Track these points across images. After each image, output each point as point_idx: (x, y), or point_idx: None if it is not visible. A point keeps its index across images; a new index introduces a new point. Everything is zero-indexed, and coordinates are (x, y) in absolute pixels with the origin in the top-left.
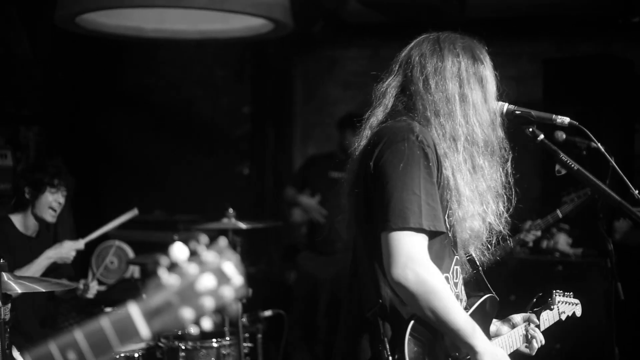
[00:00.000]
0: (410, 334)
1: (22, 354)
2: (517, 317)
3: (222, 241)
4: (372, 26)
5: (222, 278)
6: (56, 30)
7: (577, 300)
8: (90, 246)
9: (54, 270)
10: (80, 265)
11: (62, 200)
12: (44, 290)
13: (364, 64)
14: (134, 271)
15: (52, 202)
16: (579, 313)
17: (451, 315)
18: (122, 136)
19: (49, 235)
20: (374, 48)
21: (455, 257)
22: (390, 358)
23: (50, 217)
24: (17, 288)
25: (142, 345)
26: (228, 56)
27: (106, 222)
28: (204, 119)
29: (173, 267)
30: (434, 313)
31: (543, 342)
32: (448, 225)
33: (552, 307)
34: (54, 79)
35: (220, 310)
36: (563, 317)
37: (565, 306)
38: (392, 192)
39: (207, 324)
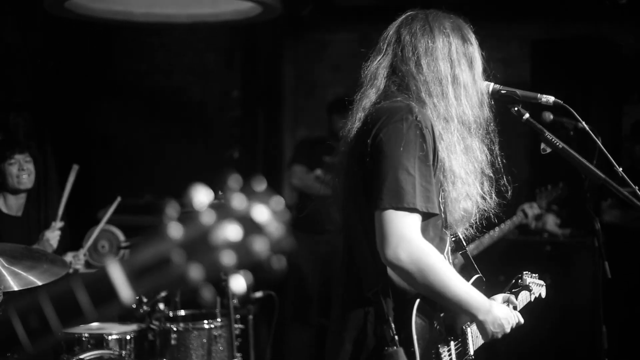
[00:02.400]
0: (417, 313)
1: None
2: (498, 298)
3: (258, 180)
4: (361, 9)
5: (252, 227)
6: (46, 16)
7: (542, 282)
8: (81, 232)
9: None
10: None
11: (27, 165)
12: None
13: (353, 46)
14: (125, 255)
15: (15, 171)
16: (544, 294)
17: (450, 288)
18: (113, 121)
19: (37, 215)
20: (364, 31)
21: (448, 238)
22: (396, 337)
23: (23, 185)
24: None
25: (134, 327)
26: (218, 41)
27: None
28: (195, 104)
29: (184, 214)
30: (432, 289)
31: (521, 321)
32: (441, 207)
33: (530, 288)
34: (45, 65)
35: (253, 267)
36: (532, 298)
37: (535, 287)
38: (387, 171)
39: (235, 284)
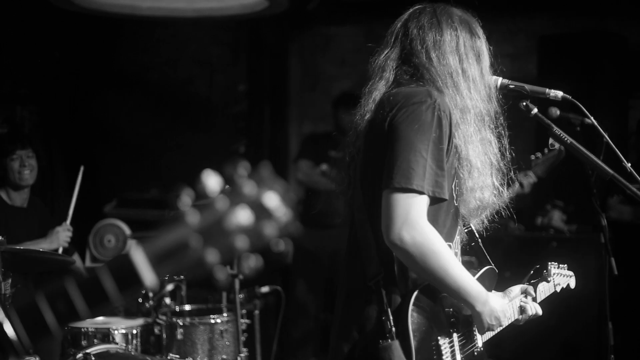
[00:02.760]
0: (414, 304)
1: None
2: (516, 289)
3: (265, 168)
4: (367, 3)
5: (262, 212)
6: (53, 9)
7: (571, 273)
8: (87, 225)
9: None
10: (78, 245)
11: (29, 161)
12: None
13: (359, 41)
14: (132, 247)
15: (17, 166)
16: (573, 285)
17: (450, 274)
18: (119, 114)
19: (43, 207)
20: (370, 25)
21: (458, 227)
22: (393, 329)
23: (24, 181)
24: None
25: (140, 321)
26: (224, 34)
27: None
28: (200, 97)
29: (198, 199)
30: (432, 273)
31: (540, 313)
32: (455, 195)
33: (548, 279)
34: (50, 58)
35: (261, 250)
36: (558, 289)
37: (560, 278)
38: (400, 151)
39: (245, 267)
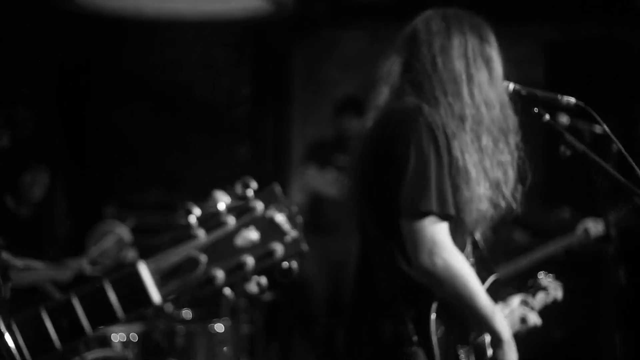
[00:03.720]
0: (436, 313)
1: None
2: (515, 300)
3: (276, 188)
4: (372, 7)
5: (270, 231)
6: (56, 10)
7: (560, 283)
8: (85, 227)
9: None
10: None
11: (41, 177)
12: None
13: (363, 45)
14: (130, 252)
15: (29, 182)
16: (560, 296)
17: (477, 301)
18: (121, 116)
19: (42, 215)
20: (374, 29)
21: (466, 239)
22: (415, 338)
23: (34, 198)
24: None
25: (140, 327)
26: (228, 37)
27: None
28: (204, 100)
29: (205, 217)
30: (461, 299)
31: (539, 323)
32: (457, 207)
33: (547, 289)
34: (54, 59)
35: (269, 271)
36: (550, 300)
37: (552, 289)
38: (403, 176)
39: (252, 287)
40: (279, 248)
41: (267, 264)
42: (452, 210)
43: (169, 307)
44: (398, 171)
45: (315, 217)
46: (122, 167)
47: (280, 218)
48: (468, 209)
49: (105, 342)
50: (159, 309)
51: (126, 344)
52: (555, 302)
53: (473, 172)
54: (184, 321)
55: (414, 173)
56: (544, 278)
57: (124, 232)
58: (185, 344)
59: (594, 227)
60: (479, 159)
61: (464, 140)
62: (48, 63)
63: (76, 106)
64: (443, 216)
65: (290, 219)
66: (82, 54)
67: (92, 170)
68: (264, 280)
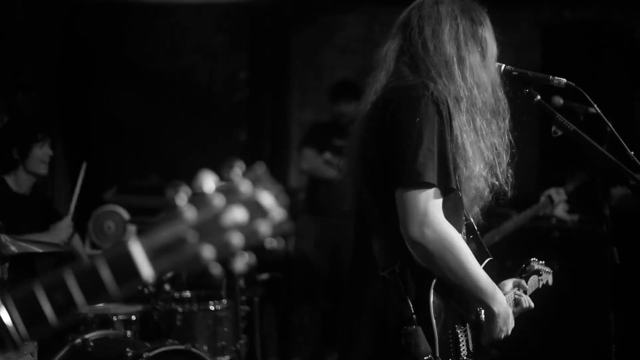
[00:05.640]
0: (434, 292)
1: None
2: (509, 283)
3: (260, 168)
4: None
5: (257, 211)
6: None
7: (549, 269)
8: (86, 212)
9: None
10: (77, 231)
11: (50, 151)
12: (40, 251)
13: (362, 29)
14: (131, 231)
15: (42, 155)
16: (551, 281)
17: (469, 273)
18: (121, 102)
19: (45, 195)
20: (372, 13)
21: (463, 218)
22: (414, 316)
23: (43, 170)
24: (13, 249)
25: (139, 307)
26: (226, 22)
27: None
28: (202, 85)
29: (195, 197)
30: (452, 271)
31: (532, 306)
32: (457, 185)
33: (540, 273)
34: (53, 45)
35: (255, 248)
36: (540, 285)
37: (543, 274)
38: (406, 148)
39: (239, 264)
40: (265, 227)
41: (253, 242)
42: (454, 184)
43: (168, 288)
44: (401, 144)
45: (313, 198)
46: (121, 152)
47: (266, 198)
48: (466, 187)
49: (106, 322)
50: (158, 289)
51: (126, 324)
52: (545, 287)
53: (470, 151)
54: (183, 301)
55: (412, 144)
56: (536, 263)
57: (122, 213)
58: (184, 324)
59: (556, 194)
60: (475, 139)
61: (461, 120)
62: (48, 49)
63: (76, 92)
64: (444, 189)
65: (276, 198)
66: (82, 40)
67: (91, 155)
68: (250, 258)
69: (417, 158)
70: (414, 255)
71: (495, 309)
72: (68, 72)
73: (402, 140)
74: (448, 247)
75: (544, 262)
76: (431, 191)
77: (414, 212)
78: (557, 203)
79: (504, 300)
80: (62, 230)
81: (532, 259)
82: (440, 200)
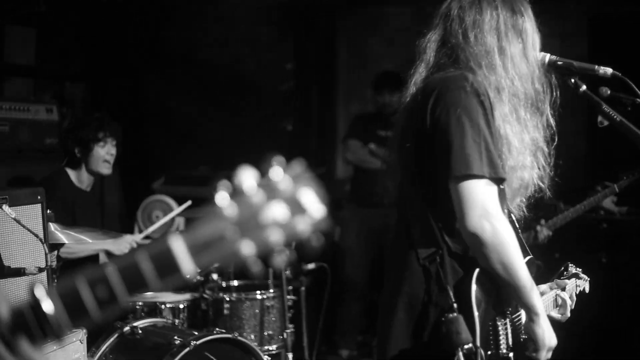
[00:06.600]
0: (476, 282)
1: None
2: (543, 286)
3: (299, 165)
4: None
5: (296, 208)
6: None
7: (587, 277)
8: (136, 201)
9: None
10: (128, 220)
11: (113, 151)
12: (90, 241)
13: (407, 21)
14: (180, 225)
15: (104, 155)
16: (587, 289)
17: (518, 271)
18: (169, 92)
19: (100, 188)
20: (418, 5)
21: (506, 209)
22: (454, 305)
23: (105, 169)
24: (63, 238)
25: (188, 296)
26: (272, 13)
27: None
28: (249, 76)
29: (235, 192)
30: (503, 266)
31: (573, 306)
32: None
33: (579, 276)
34: (101, 35)
35: (295, 245)
36: (577, 291)
37: (580, 280)
38: (453, 140)
39: (278, 260)
40: (304, 223)
41: (292, 238)
42: (503, 173)
43: (216, 277)
44: (447, 137)
45: (358, 189)
46: (169, 143)
47: (305, 194)
48: (510, 178)
49: (154, 310)
50: (206, 278)
51: (174, 313)
52: (581, 294)
53: (513, 140)
54: (230, 290)
55: (463, 137)
56: (574, 268)
57: (171, 204)
58: (231, 313)
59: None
60: (519, 129)
61: (503, 111)
62: (97, 39)
63: (123, 83)
64: (495, 179)
65: (315, 195)
66: (129, 31)
67: (140, 145)
68: (290, 254)
69: (463, 150)
70: (452, 247)
71: (536, 311)
72: (116, 63)
73: (446, 133)
74: (502, 241)
75: (581, 269)
76: (486, 184)
77: (473, 205)
78: (619, 189)
79: (542, 303)
80: (125, 244)
81: (569, 264)
82: (495, 191)
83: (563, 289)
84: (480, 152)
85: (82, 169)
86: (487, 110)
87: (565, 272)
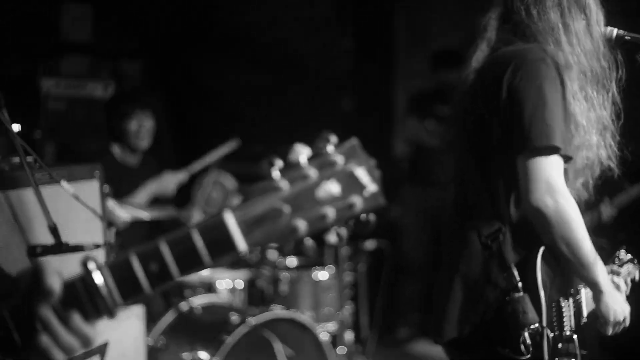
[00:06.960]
0: (542, 260)
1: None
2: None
3: (354, 141)
4: None
5: (350, 185)
6: None
7: (638, 264)
8: (192, 178)
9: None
10: (183, 197)
11: (146, 123)
12: (147, 219)
13: None
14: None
15: (138, 129)
16: (638, 277)
17: (583, 248)
18: (223, 72)
19: (152, 166)
20: None
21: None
22: (519, 284)
23: (142, 142)
24: (120, 214)
25: (245, 274)
26: None
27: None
28: (305, 55)
29: (288, 169)
30: (567, 244)
31: (628, 291)
32: None
33: (635, 262)
34: (156, 15)
35: (349, 222)
36: (629, 279)
37: (634, 267)
38: (532, 112)
39: (331, 237)
40: (358, 201)
41: (346, 216)
42: (567, 149)
43: (273, 254)
44: (522, 106)
45: (416, 167)
46: (227, 121)
47: (360, 172)
48: (575, 157)
49: (212, 288)
50: (263, 256)
51: (232, 291)
52: (633, 281)
53: (580, 119)
54: (288, 269)
55: (538, 107)
56: (626, 254)
57: (228, 181)
58: (289, 291)
59: None
60: (586, 107)
61: (572, 88)
62: (152, 18)
63: (178, 62)
64: (564, 156)
65: (370, 172)
66: (183, 10)
67: (194, 125)
68: (343, 231)
69: (542, 121)
70: (515, 224)
71: (603, 289)
72: (171, 42)
73: (524, 104)
74: (568, 219)
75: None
76: (554, 158)
77: (537, 180)
78: None
79: (607, 279)
80: (170, 181)
81: (621, 249)
82: (562, 167)
83: (617, 275)
84: (555, 124)
85: (124, 145)
86: (565, 84)
87: (620, 258)
